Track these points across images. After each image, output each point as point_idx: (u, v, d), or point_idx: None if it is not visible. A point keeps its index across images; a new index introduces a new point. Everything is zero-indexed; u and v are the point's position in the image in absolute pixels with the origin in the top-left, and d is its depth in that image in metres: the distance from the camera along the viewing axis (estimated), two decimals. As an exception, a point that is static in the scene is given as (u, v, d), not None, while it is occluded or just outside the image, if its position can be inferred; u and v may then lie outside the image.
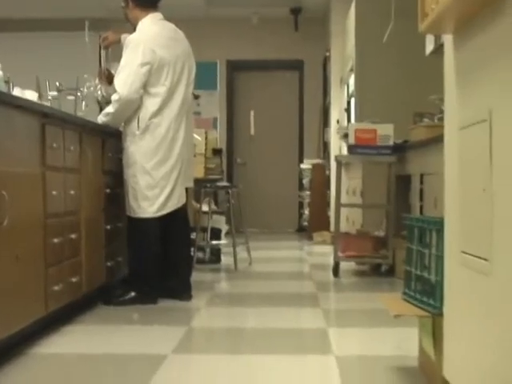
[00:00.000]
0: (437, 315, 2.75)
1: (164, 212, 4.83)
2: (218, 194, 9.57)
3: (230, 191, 7.40)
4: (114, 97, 4.70)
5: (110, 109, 4.75)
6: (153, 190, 4.77)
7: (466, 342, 2.37)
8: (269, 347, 3.74)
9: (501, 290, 1.94)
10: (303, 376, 3.21)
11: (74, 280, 4.14)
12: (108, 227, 4.82)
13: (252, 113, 11.63)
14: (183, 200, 4.97)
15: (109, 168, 4.84)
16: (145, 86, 4.72)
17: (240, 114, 11.77)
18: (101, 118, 4.79)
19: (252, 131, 11.64)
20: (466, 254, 2.31)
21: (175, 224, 4.97)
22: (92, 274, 4.50)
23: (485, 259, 2.10)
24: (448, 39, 2.59)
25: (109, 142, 4.85)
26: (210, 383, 3.09)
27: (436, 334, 2.79)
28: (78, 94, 5.42)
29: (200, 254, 6.93)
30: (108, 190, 4.81)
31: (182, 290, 5.01)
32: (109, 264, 4.84)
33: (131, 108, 4.73)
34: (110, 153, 4.86)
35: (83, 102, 5.47)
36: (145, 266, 4.85)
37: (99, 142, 4.71)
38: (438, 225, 2.76)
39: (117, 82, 4.71)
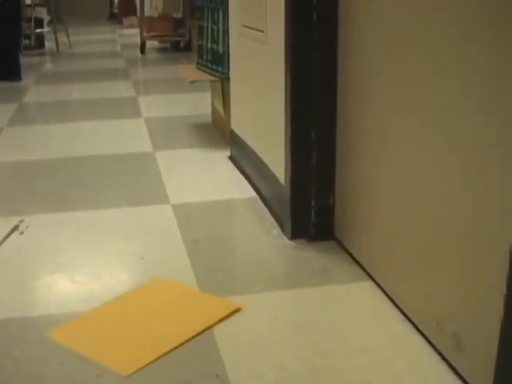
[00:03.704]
0: (225, 79, 2.72)
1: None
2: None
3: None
4: None
5: None
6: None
7: (244, 100, 2.36)
8: (93, 115, 3.59)
9: (273, 54, 1.90)
10: (121, 133, 3.13)
11: None
12: None
13: None
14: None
15: None
16: None
17: None
18: None
19: None
20: (247, 27, 2.23)
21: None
22: None
23: (261, 31, 2.04)
24: None
25: None
26: (44, 146, 2.93)
27: (224, 95, 2.78)
28: None
29: (26, 42, 6.46)
30: None
31: (11, 72, 4.72)
32: None
33: None
34: None
35: None
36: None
37: None
38: (224, 4, 2.64)
39: None
